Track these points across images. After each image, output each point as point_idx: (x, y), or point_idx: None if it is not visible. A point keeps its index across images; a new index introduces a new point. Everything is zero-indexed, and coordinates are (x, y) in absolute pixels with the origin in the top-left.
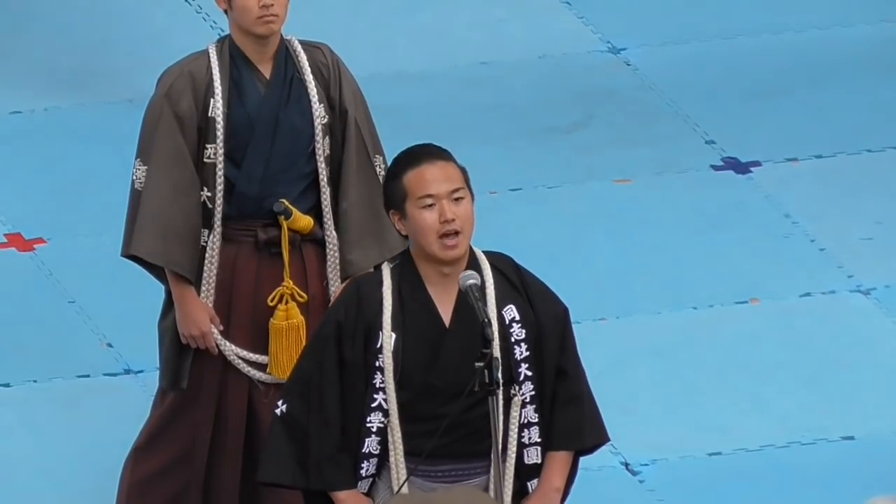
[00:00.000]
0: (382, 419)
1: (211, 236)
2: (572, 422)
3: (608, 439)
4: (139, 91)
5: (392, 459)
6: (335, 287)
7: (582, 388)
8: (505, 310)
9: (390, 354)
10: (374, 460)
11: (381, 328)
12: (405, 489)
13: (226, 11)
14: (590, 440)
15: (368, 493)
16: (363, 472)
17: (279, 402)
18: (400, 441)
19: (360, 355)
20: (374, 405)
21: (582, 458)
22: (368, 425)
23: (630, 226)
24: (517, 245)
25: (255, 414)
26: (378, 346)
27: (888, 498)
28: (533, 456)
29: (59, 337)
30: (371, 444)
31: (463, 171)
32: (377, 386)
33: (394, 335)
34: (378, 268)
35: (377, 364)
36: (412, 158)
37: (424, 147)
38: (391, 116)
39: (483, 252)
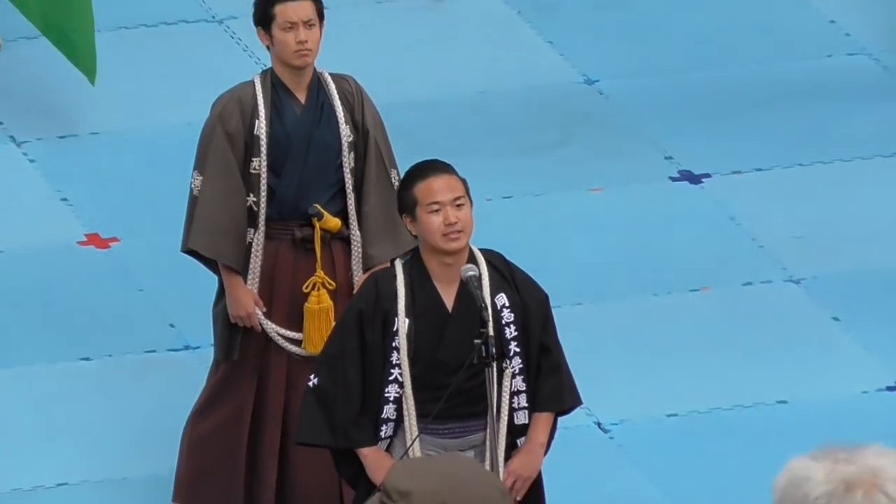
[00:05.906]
0: (398, 390)
1: (256, 235)
2: (553, 388)
3: (581, 402)
4: (196, 115)
5: (406, 423)
6: (357, 277)
7: (560, 361)
8: (497, 297)
9: (405, 336)
10: (391, 424)
11: (396, 314)
12: (417, 446)
13: (268, 47)
14: (567, 403)
15: (387, 451)
16: (382, 433)
17: (311, 376)
18: (413, 407)
19: (379, 338)
20: (391, 378)
21: (561, 419)
22: (386, 395)
23: (602, 227)
24: (509, 243)
25: (292, 383)
26: (395, 329)
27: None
28: (521, 418)
29: (130, 319)
30: (389, 411)
31: (464, 181)
32: (394, 363)
33: (407, 320)
34: (392, 263)
35: (394, 345)
36: (421, 172)
37: (432, 163)
38: (405, 137)
39: (479, 249)
